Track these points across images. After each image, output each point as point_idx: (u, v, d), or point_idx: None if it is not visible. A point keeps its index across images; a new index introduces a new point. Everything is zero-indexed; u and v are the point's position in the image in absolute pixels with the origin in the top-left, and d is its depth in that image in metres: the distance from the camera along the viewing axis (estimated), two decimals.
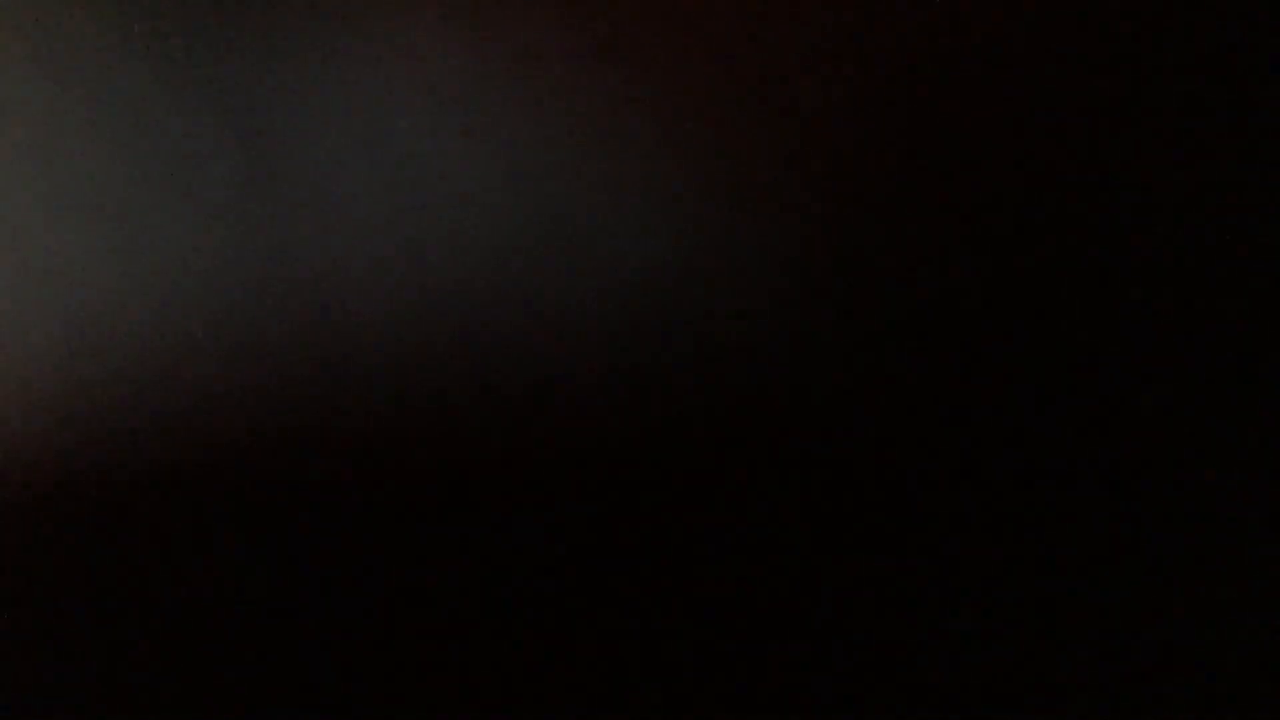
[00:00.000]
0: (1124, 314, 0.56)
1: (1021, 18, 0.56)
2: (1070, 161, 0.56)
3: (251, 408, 0.60)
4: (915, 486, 0.57)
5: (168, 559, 0.61)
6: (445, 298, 0.59)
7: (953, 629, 0.57)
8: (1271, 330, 0.55)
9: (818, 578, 0.58)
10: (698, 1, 0.58)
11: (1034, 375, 0.57)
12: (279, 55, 0.60)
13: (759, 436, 0.58)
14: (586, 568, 0.59)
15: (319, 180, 0.60)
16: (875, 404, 0.57)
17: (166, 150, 0.61)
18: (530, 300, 0.59)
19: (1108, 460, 0.56)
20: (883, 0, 0.57)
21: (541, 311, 0.59)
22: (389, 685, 0.60)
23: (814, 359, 0.58)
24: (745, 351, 0.58)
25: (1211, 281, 0.56)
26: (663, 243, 0.58)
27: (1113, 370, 0.56)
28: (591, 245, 0.59)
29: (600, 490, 0.59)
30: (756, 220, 0.58)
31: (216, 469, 0.61)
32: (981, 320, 0.57)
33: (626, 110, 0.58)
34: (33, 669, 0.62)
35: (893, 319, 0.57)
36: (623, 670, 0.59)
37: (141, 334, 0.61)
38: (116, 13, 0.61)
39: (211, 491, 0.61)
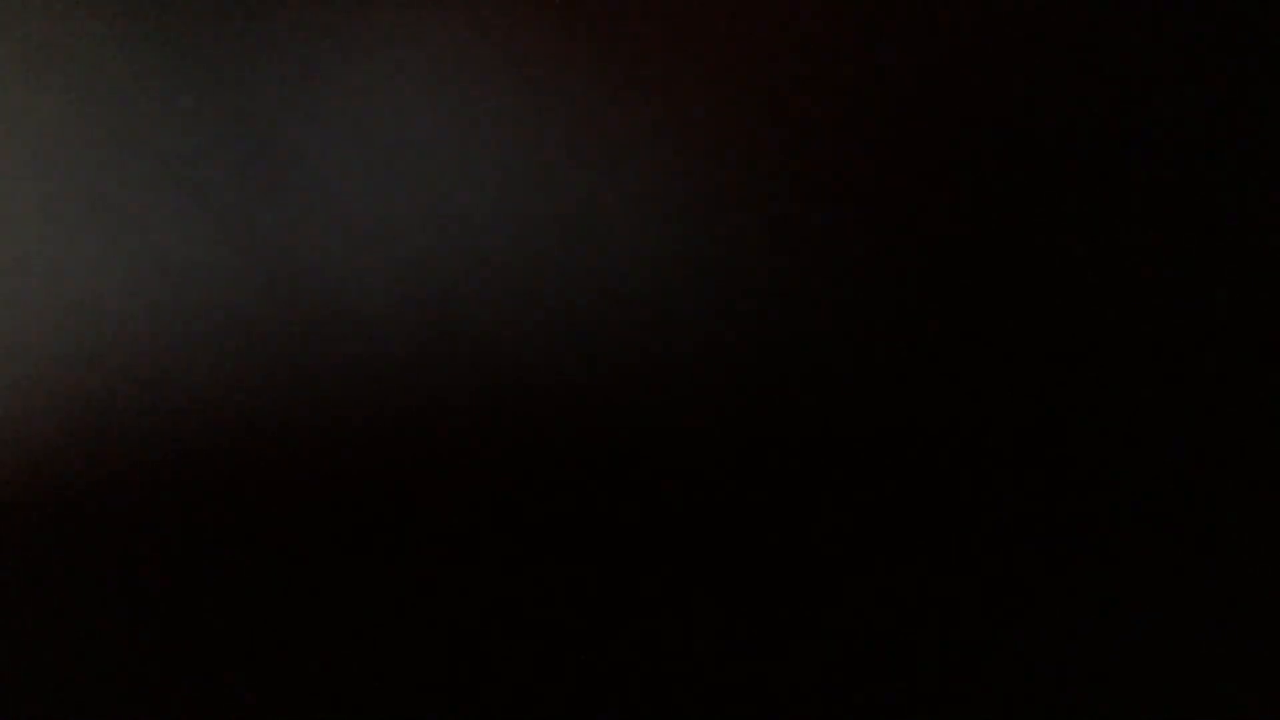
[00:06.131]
0: (1124, 315, 0.56)
1: (1019, 20, 0.56)
2: (1069, 164, 0.56)
3: (252, 407, 0.60)
4: (916, 486, 0.57)
5: (168, 559, 0.61)
6: (447, 297, 0.59)
7: (952, 630, 0.57)
8: (1272, 330, 0.55)
9: (820, 579, 0.58)
10: (699, 6, 0.58)
11: (1034, 375, 0.57)
12: (280, 55, 0.60)
13: (759, 437, 0.58)
14: (584, 567, 0.59)
15: (320, 180, 0.60)
16: (877, 403, 0.57)
17: (166, 150, 0.61)
18: (533, 300, 0.59)
19: (1108, 462, 0.56)
20: (881, 6, 0.57)
21: (545, 312, 0.59)
22: (389, 685, 0.60)
23: (813, 359, 0.58)
24: (745, 352, 0.58)
25: (1212, 281, 0.56)
26: (664, 244, 0.58)
27: (1112, 371, 0.56)
28: (593, 246, 0.59)
29: (601, 490, 0.59)
30: (756, 221, 0.58)
31: (217, 468, 0.61)
32: (983, 320, 0.57)
33: (628, 112, 0.58)
34: (33, 669, 0.62)
35: (894, 320, 0.57)
36: (620, 671, 0.59)
37: (141, 334, 0.61)
38: (116, 13, 0.61)
39: (212, 491, 0.61)
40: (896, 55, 0.57)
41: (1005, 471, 0.57)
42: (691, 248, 0.58)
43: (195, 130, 0.61)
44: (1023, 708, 0.57)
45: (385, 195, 0.60)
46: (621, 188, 0.59)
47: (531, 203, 0.59)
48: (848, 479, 0.58)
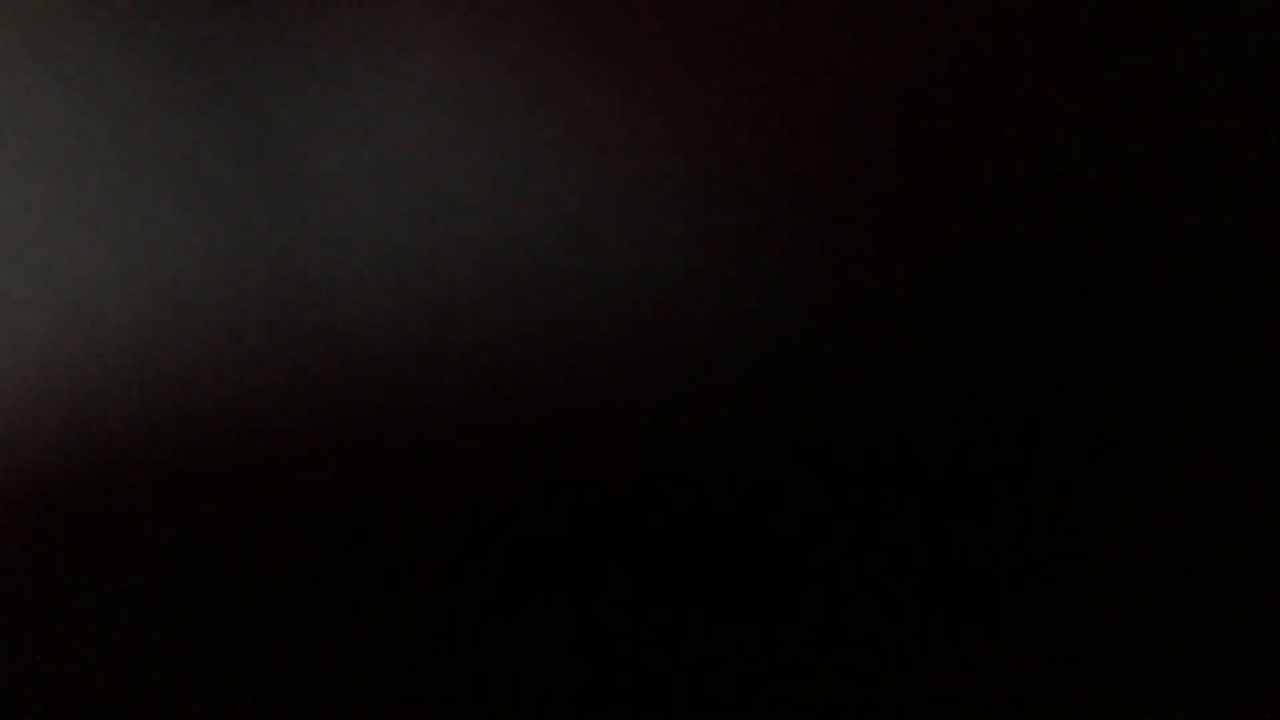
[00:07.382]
0: (1123, 316, 0.56)
1: (1020, 19, 0.56)
2: (1069, 163, 0.56)
3: (251, 408, 0.60)
4: (916, 484, 0.57)
5: (167, 559, 0.61)
6: (446, 298, 0.59)
7: (952, 630, 0.57)
8: (1272, 330, 0.56)
9: (821, 579, 0.58)
10: (697, 5, 0.58)
11: (1035, 374, 0.57)
12: (279, 56, 0.60)
13: (759, 436, 0.58)
14: (583, 567, 0.59)
15: (319, 181, 0.60)
16: (879, 403, 0.57)
17: (166, 150, 0.61)
18: (534, 301, 0.59)
19: (1108, 461, 0.56)
20: (882, 6, 0.57)
21: (545, 313, 0.59)
22: (389, 685, 0.60)
23: (814, 360, 0.58)
24: (744, 353, 0.58)
25: (1211, 282, 0.56)
26: (663, 245, 0.58)
27: (1113, 371, 0.56)
28: (593, 247, 0.59)
29: (600, 490, 0.59)
30: (756, 222, 0.58)
31: (217, 469, 0.61)
32: (983, 320, 0.57)
33: (627, 113, 0.58)
34: (33, 669, 0.62)
35: (896, 320, 0.57)
36: (620, 671, 0.59)
37: (141, 334, 0.61)
38: (116, 13, 0.61)
39: (212, 491, 0.61)
40: (898, 55, 0.57)
41: (1006, 471, 0.57)
42: (692, 249, 0.58)
43: (195, 131, 0.61)
44: (1023, 708, 0.57)
45: (386, 196, 0.60)
46: (622, 189, 0.59)
47: (531, 204, 0.59)
48: (849, 479, 0.58)
